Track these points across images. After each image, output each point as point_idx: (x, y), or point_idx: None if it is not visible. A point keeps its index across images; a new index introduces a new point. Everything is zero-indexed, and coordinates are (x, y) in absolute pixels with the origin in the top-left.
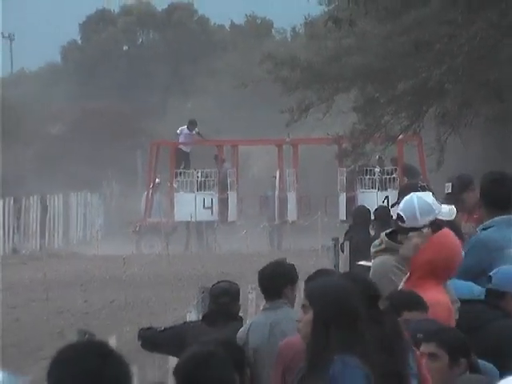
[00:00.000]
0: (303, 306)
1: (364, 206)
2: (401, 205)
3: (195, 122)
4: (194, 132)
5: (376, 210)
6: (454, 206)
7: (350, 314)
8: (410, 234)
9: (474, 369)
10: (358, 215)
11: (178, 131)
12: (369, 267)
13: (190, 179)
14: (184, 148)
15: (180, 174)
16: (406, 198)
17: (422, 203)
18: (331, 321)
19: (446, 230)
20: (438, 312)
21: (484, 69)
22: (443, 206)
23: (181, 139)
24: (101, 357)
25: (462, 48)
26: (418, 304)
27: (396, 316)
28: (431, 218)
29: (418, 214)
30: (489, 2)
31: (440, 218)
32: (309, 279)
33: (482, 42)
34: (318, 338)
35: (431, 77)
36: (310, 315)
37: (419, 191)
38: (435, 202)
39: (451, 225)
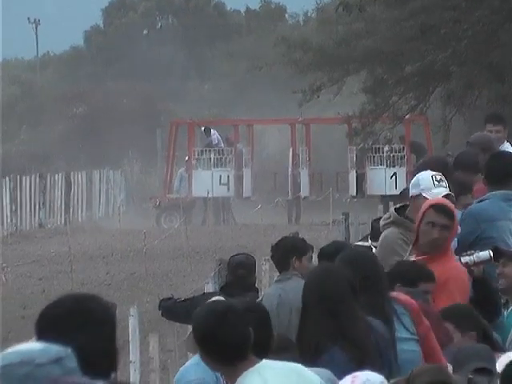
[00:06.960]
0: None
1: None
2: None
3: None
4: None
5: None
6: (447, 191)
7: (334, 298)
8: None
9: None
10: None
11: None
12: (367, 247)
13: (207, 157)
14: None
15: (198, 152)
16: None
17: (415, 178)
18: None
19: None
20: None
21: (486, 52)
22: (439, 189)
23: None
24: (85, 298)
25: (465, 32)
26: (431, 276)
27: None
28: (415, 191)
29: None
30: None
31: (425, 195)
32: (322, 250)
33: (484, 26)
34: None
35: (437, 59)
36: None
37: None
38: (428, 179)
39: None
